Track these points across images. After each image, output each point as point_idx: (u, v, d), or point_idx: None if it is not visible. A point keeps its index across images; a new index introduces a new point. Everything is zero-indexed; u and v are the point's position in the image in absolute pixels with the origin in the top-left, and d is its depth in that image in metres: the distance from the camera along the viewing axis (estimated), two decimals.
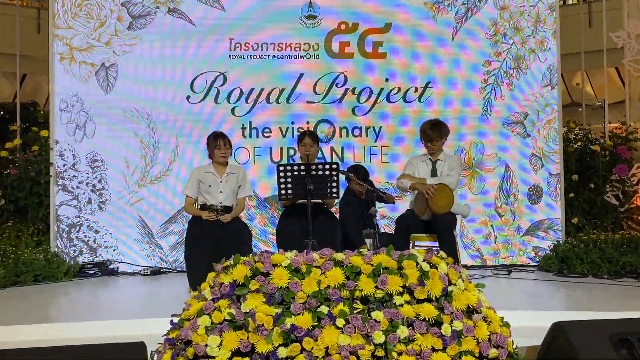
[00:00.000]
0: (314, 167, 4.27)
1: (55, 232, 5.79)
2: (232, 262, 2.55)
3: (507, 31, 6.11)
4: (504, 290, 4.90)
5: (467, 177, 6.02)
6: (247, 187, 4.69)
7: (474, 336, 2.36)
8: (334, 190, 4.32)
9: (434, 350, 2.29)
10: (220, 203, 4.46)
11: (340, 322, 2.29)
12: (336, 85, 6.06)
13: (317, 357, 2.24)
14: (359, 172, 5.20)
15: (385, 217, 5.91)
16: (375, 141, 6.07)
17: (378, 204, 5.24)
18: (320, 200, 4.64)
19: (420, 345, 2.28)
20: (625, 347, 2.52)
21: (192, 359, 2.30)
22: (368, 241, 4.38)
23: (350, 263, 2.47)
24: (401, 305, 2.36)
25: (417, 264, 2.48)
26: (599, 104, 10.38)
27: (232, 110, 6.01)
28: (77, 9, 5.87)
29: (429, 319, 2.34)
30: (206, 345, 2.29)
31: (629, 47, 6.42)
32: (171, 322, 2.50)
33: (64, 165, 5.85)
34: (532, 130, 6.09)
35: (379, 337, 2.27)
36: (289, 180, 4.25)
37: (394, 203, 5.30)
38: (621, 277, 5.08)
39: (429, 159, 4.79)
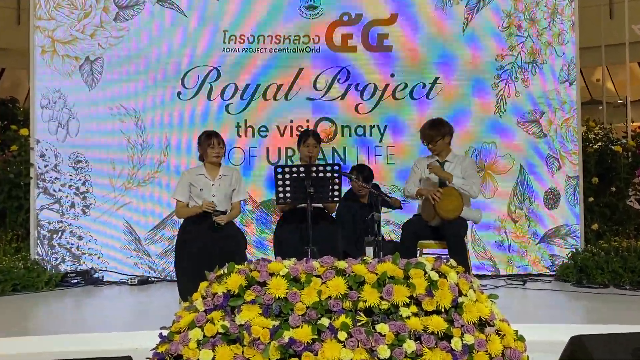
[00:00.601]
0: (314, 168, 4.26)
1: (36, 238, 5.79)
2: (226, 271, 2.54)
3: (522, 23, 6.12)
4: (519, 302, 4.91)
5: None
6: (242, 190, 4.68)
7: (487, 351, 2.35)
8: (336, 193, 4.32)
9: None
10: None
11: (342, 335, 2.28)
12: (338, 81, 6.07)
13: None
14: (363, 173, 5.21)
15: (391, 223, 5.91)
16: (380, 141, 6.08)
17: (384, 210, 5.25)
18: (321, 205, 4.64)
19: None
20: None
21: None
22: (369, 249, 4.37)
23: (353, 272, 2.47)
24: (408, 317, 2.36)
25: (425, 273, 2.48)
26: (620, 102, 10.41)
27: (226, 107, 6.02)
28: None
29: (437, 332, 2.33)
30: None
31: None
32: (160, 335, 2.50)
33: (45, 167, 5.85)
34: (548, 130, 6.09)
35: (384, 352, 2.26)
36: (288, 182, 4.24)
37: (401, 208, 5.29)
38: None
39: (437, 160, 4.78)
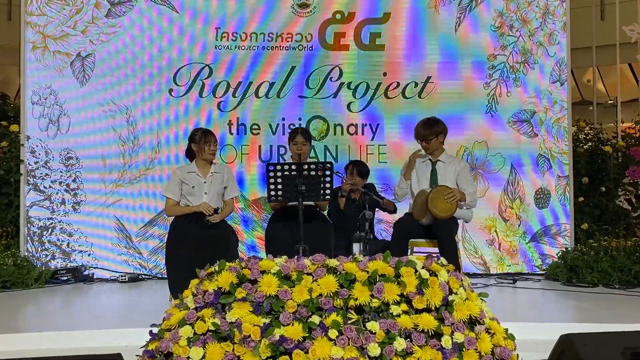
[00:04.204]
0: (305, 167, 4.27)
1: (26, 235, 5.76)
2: (216, 268, 2.54)
3: (513, 23, 6.14)
4: (509, 300, 4.93)
5: None
6: (234, 187, 4.68)
7: (476, 349, 2.36)
8: (327, 192, 4.32)
9: None
10: None
11: (333, 333, 2.28)
12: (330, 79, 6.07)
13: None
14: (360, 167, 5.23)
15: (382, 222, 5.91)
16: (372, 139, 6.08)
17: (382, 212, 5.27)
18: (312, 203, 4.64)
19: (418, 359, 2.28)
20: None
21: None
22: (356, 246, 4.37)
23: (344, 270, 2.47)
24: (398, 315, 2.36)
25: (416, 271, 2.48)
26: (611, 102, 10.45)
27: (218, 105, 6.01)
28: None
29: (428, 330, 2.34)
30: (188, 357, 2.28)
31: None
32: (150, 332, 2.49)
33: (36, 163, 5.82)
34: (539, 130, 6.11)
35: (374, 350, 2.26)
36: (279, 180, 4.24)
37: (395, 212, 5.26)
38: (633, 287, 5.12)
39: (429, 159, 4.79)
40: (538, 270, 5.98)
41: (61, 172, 5.85)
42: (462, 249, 5.72)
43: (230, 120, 6.01)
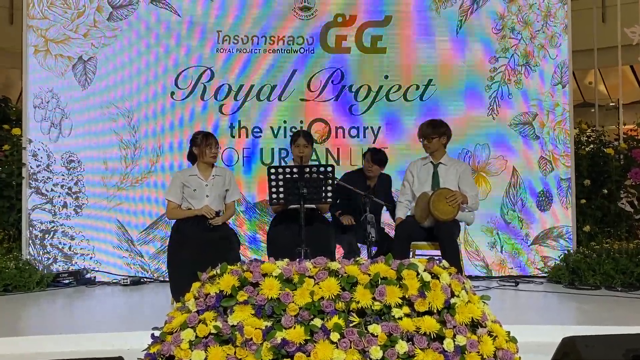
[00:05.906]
0: (307, 169, 4.27)
1: (28, 238, 5.76)
2: (218, 272, 2.54)
3: (515, 26, 6.14)
4: (511, 303, 4.92)
5: None
6: (235, 190, 4.69)
7: (479, 352, 2.36)
8: (329, 194, 4.32)
9: None
10: None
11: (334, 336, 2.28)
12: (332, 82, 6.07)
13: None
14: (378, 155, 5.19)
15: (384, 224, 5.90)
16: (373, 142, 6.07)
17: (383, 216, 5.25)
18: (314, 205, 4.64)
19: None
20: None
21: None
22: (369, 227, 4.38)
23: (346, 273, 2.47)
24: (400, 318, 2.36)
25: (418, 274, 2.48)
26: (612, 104, 10.46)
27: (220, 107, 6.01)
28: None
29: (430, 333, 2.34)
30: None
31: None
32: (152, 335, 2.49)
33: (38, 166, 5.83)
34: (541, 132, 6.11)
35: (376, 353, 2.26)
36: (281, 183, 4.24)
37: None
38: (636, 290, 5.11)
39: (431, 161, 4.79)
40: (540, 272, 5.97)
41: (63, 175, 5.85)
42: (464, 251, 5.72)
43: (232, 123, 6.01)
